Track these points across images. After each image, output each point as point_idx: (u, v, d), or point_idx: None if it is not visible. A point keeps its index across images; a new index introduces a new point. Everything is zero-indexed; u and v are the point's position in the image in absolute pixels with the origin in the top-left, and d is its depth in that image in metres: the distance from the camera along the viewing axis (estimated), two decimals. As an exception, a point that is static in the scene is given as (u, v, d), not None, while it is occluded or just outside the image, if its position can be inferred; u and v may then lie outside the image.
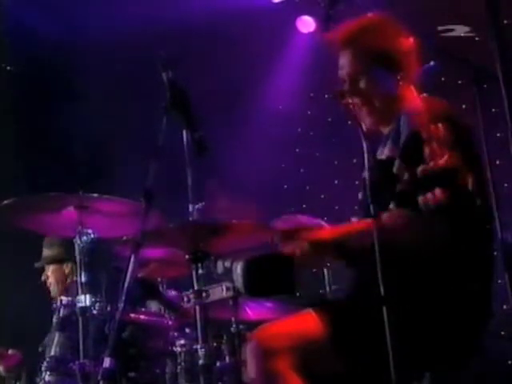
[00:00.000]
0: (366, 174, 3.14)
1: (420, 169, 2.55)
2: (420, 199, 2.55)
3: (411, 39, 3.33)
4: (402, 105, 3.26)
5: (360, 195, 3.35)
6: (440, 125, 2.56)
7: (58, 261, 5.15)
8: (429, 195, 2.52)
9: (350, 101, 3.23)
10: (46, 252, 5.20)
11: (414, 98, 3.29)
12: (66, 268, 5.14)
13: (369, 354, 3.06)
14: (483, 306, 3.22)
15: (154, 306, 4.57)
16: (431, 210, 2.55)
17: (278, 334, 3.12)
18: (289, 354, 3.06)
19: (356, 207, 3.38)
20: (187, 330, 4.26)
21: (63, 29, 6.27)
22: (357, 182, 3.47)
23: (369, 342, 3.05)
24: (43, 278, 5.24)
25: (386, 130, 3.31)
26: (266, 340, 3.11)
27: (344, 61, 3.35)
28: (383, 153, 3.28)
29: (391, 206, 2.85)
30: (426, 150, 2.57)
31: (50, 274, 5.22)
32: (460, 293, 3.11)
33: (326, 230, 3.19)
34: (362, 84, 3.28)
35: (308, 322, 3.13)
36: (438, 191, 2.52)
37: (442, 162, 2.53)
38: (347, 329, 3.11)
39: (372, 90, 3.26)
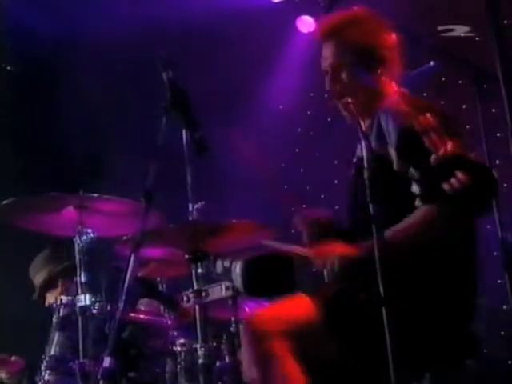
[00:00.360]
0: (352, 173, 3.16)
1: (433, 158, 2.56)
2: (445, 186, 2.55)
3: (394, 35, 3.36)
4: (381, 100, 3.29)
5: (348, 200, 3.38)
6: (428, 115, 2.58)
7: (49, 286, 5.08)
8: (453, 180, 2.53)
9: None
10: (36, 280, 5.13)
11: (393, 94, 3.31)
12: (60, 286, 5.06)
13: (365, 348, 3.07)
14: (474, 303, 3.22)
15: (143, 304, 4.56)
16: (460, 194, 2.56)
17: (273, 318, 3.12)
18: (284, 338, 3.06)
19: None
20: (175, 333, 4.24)
21: (63, 29, 6.27)
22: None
23: (365, 337, 3.06)
24: (47, 304, 5.17)
25: (365, 124, 3.32)
26: (260, 324, 3.11)
27: (326, 52, 3.39)
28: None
29: (417, 202, 2.86)
30: (427, 141, 2.58)
31: (50, 298, 5.14)
32: (456, 290, 3.12)
33: (354, 248, 3.17)
34: (343, 76, 3.31)
35: (302, 306, 3.14)
36: (459, 174, 2.54)
37: (450, 148, 2.55)
38: (342, 320, 3.11)
39: (353, 83, 3.29)
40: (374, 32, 3.31)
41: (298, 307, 3.15)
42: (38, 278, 5.11)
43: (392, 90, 3.33)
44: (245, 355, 3.16)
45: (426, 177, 2.60)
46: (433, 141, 2.55)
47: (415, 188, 2.78)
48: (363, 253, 3.07)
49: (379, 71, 3.29)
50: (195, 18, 5.81)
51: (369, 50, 3.29)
